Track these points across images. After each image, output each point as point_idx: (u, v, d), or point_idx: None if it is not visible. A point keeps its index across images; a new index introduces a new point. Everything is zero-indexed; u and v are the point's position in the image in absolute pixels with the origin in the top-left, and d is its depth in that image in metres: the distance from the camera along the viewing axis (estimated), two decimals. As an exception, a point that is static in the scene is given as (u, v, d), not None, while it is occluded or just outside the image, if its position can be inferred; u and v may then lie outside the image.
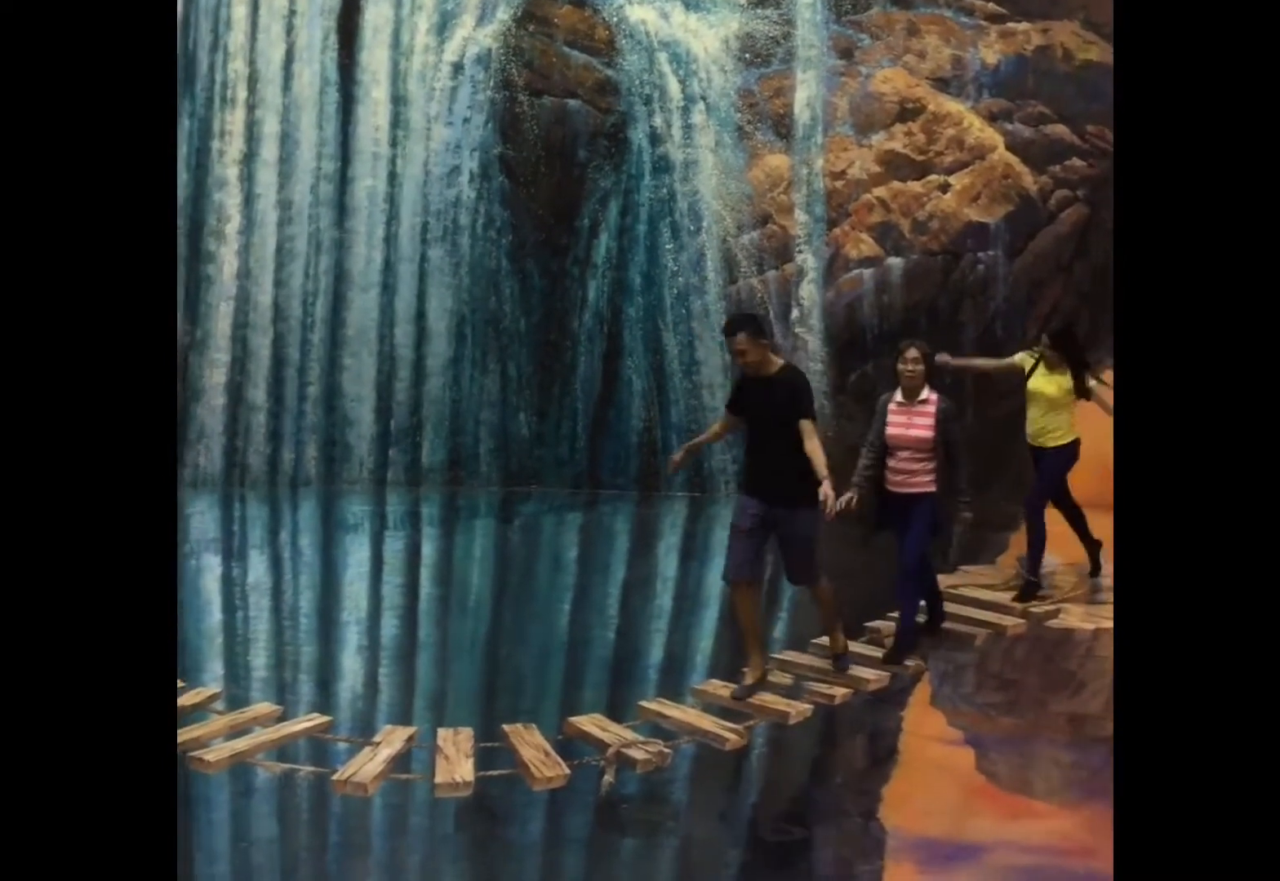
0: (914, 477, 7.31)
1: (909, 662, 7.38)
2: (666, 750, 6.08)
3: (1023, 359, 8.63)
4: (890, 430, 7.35)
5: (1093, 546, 8.94)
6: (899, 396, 7.39)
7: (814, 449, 6.51)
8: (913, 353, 7.31)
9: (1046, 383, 8.41)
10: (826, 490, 6.36)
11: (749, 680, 6.80)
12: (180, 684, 6.89)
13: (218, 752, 5.96)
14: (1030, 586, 8.46)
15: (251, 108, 13.68)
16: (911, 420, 7.32)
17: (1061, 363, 8.37)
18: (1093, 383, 8.27)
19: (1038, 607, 8.28)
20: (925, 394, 7.32)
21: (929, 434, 7.24)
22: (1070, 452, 8.51)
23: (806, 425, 6.57)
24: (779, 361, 6.84)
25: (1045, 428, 8.45)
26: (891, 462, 7.36)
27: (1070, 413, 8.45)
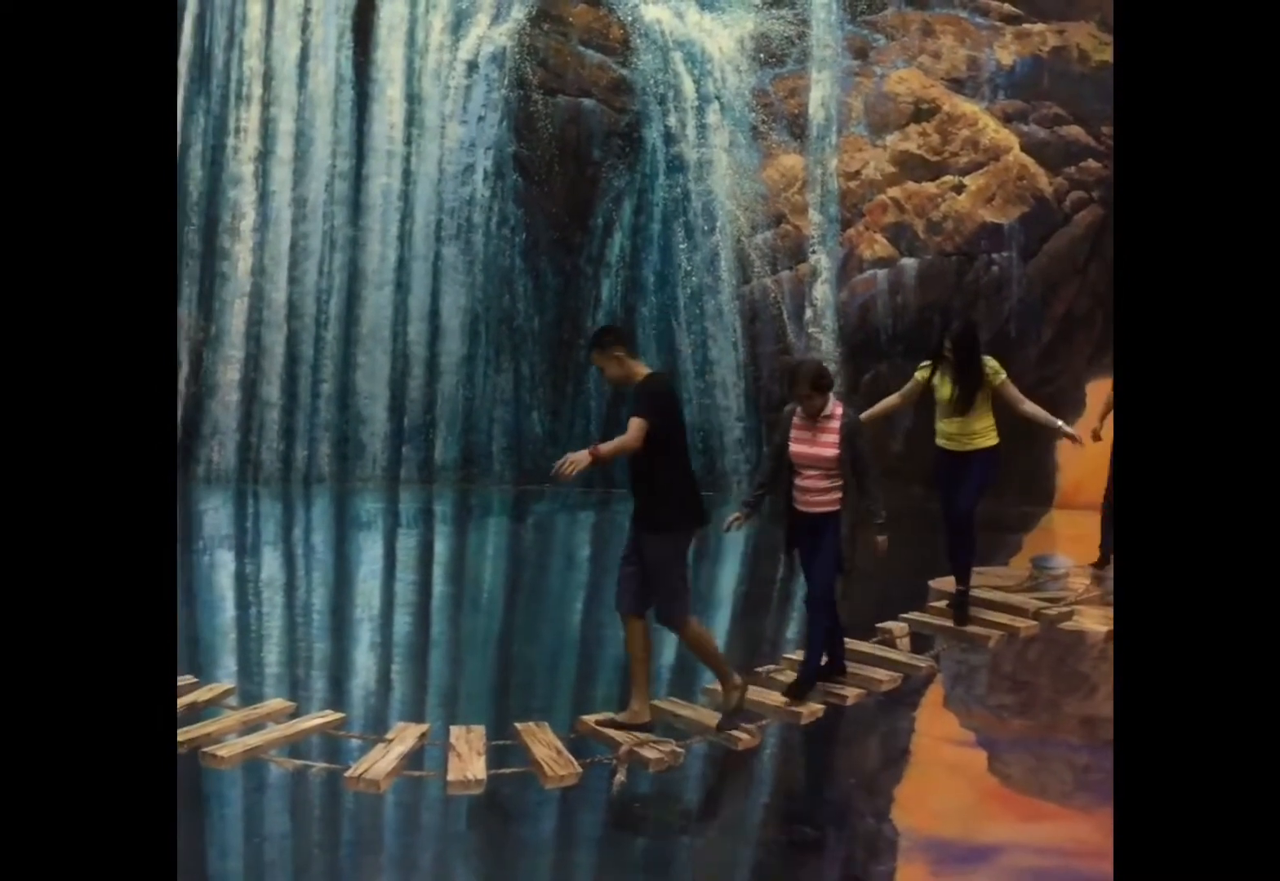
0: (820, 497, 6.70)
1: (923, 663, 7.38)
2: (679, 749, 6.08)
3: (921, 372, 8.03)
4: (793, 447, 6.74)
5: (962, 584, 8.13)
6: (801, 411, 6.76)
7: (618, 445, 5.93)
8: (802, 385, 6.67)
9: (948, 388, 7.87)
10: (574, 458, 5.74)
11: (624, 718, 6.26)
12: (194, 680, 6.92)
13: (231, 748, 5.97)
14: (962, 597, 8.06)
15: (266, 105, 13.71)
16: (816, 436, 6.69)
17: (965, 366, 7.79)
18: (1001, 379, 7.76)
19: (1051, 610, 8.26)
20: (830, 408, 6.70)
21: (834, 452, 6.63)
22: (995, 457, 8.00)
23: (633, 422, 5.92)
24: (643, 371, 6.16)
25: (964, 431, 7.88)
26: (797, 480, 6.75)
27: (990, 415, 7.91)
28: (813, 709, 6.66)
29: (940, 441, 8.02)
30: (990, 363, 7.83)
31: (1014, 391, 7.82)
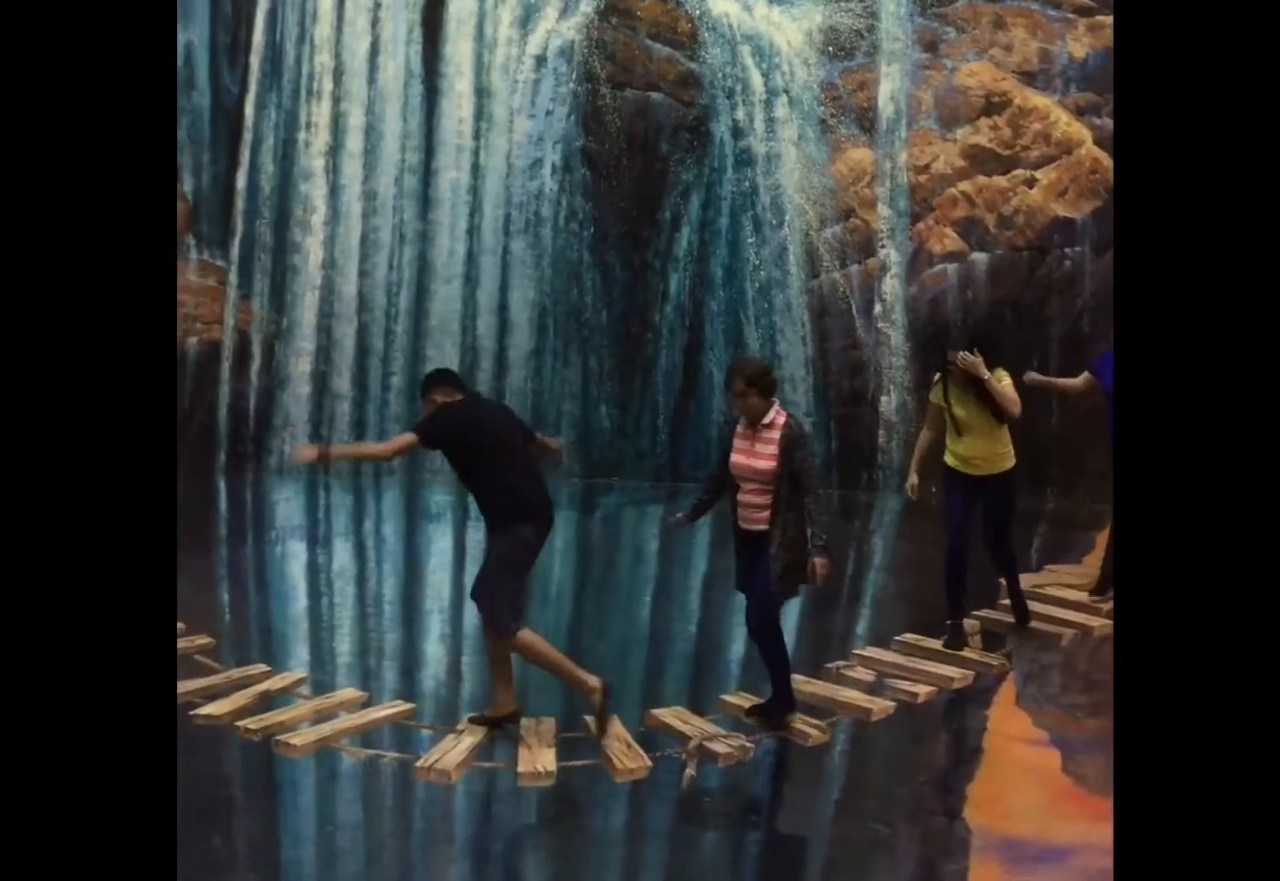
0: (759, 514, 6.14)
1: (994, 661, 7.33)
2: (749, 744, 6.08)
3: (934, 393, 7.57)
4: (733, 458, 6.20)
5: (1019, 604, 7.93)
6: (742, 420, 6.26)
7: (355, 451, 6.66)
8: (738, 381, 6.15)
9: (961, 405, 7.39)
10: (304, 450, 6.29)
11: (490, 711, 6.25)
12: (266, 668, 7.01)
13: (303, 737, 6.04)
14: (1022, 612, 7.89)
15: (337, 100, 13.82)
16: (754, 447, 6.13)
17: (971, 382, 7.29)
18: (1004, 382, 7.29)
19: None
20: (771, 415, 6.14)
21: (770, 464, 6.06)
22: (1013, 481, 7.59)
23: (399, 436, 6.31)
24: (445, 402, 6.27)
25: (979, 453, 7.41)
26: (738, 495, 6.23)
27: (1006, 434, 7.46)
28: (883, 706, 6.63)
29: (950, 461, 7.53)
30: (1000, 373, 7.33)
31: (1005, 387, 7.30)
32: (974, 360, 7.19)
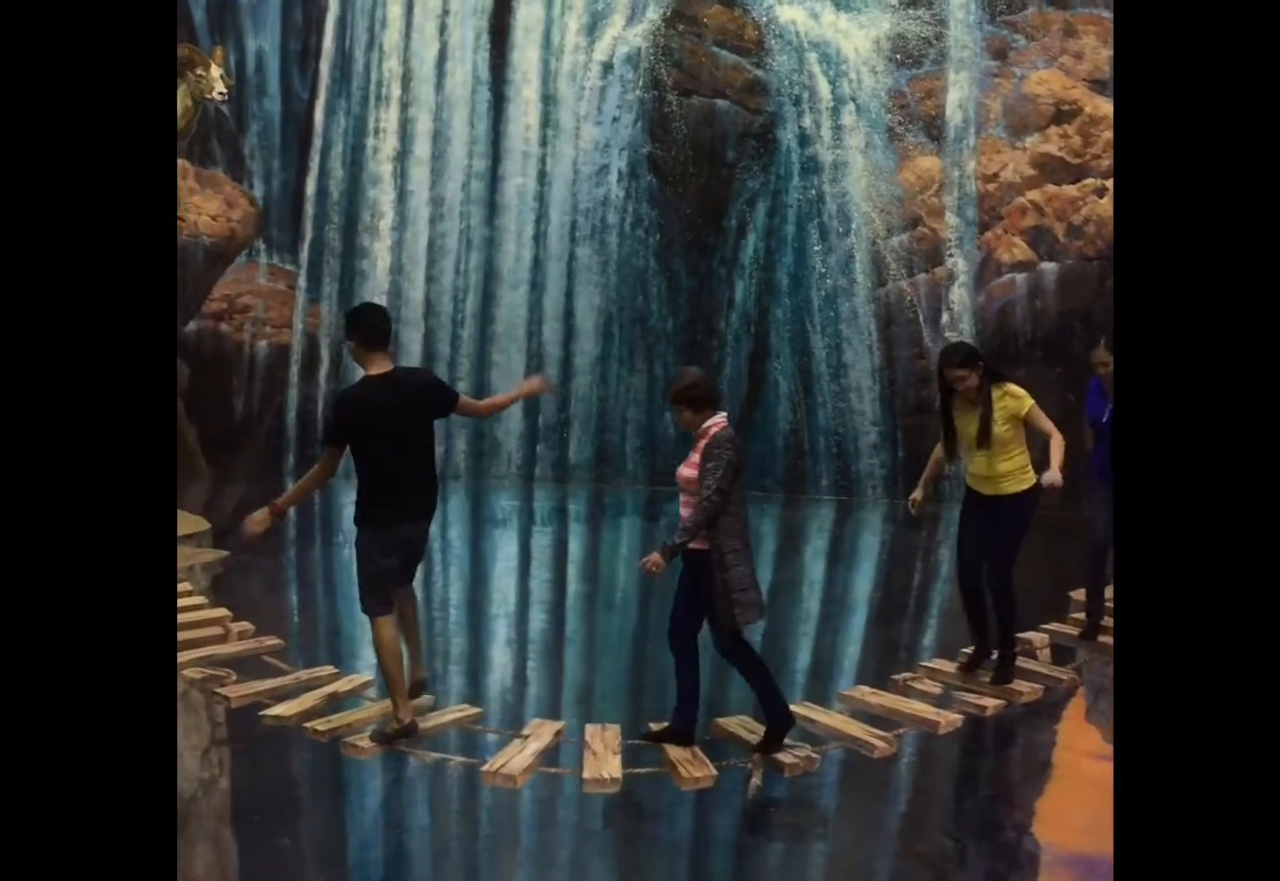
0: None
1: (1064, 675, 7.25)
2: (814, 755, 6.04)
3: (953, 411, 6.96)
4: (679, 469, 5.91)
5: (1005, 648, 7.13)
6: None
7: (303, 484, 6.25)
8: (685, 381, 5.86)
9: (965, 421, 6.86)
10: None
11: (391, 728, 6.09)
12: (334, 670, 7.06)
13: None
14: (1006, 663, 7.08)
15: (405, 106, 13.95)
16: (691, 458, 5.81)
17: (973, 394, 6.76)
18: (1028, 407, 6.71)
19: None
20: (709, 422, 5.80)
21: (694, 473, 5.71)
22: (1029, 503, 6.85)
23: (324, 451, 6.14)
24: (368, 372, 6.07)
25: (991, 472, 6.82)
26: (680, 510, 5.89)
27: (1023, 454, 6.83)
28: (950, 719, 6.57)
29: (969, 481, 7.06)
30: (1012, 389, 6.77)
31: (1042, 419, 6.71)
32: (961, 374, 6.69)
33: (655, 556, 5.57)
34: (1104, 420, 7.47)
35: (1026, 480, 6.78)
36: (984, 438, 6.69)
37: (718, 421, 5.80)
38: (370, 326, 6.05)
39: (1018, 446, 6.80)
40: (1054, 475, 6.42)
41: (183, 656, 7.11)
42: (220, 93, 12.88)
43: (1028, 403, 6.70)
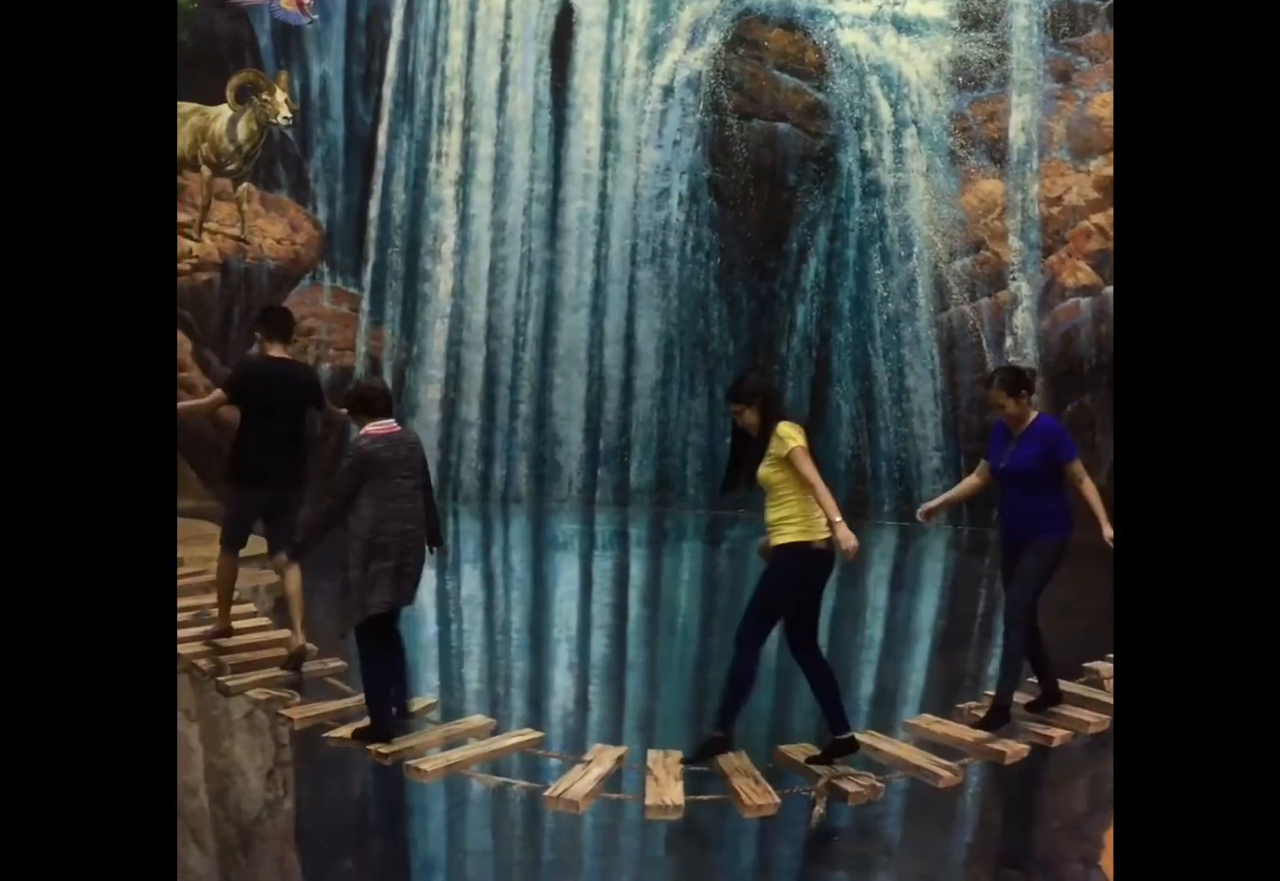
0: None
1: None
2: (879, 784, 5.99)
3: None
4: None
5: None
6: None
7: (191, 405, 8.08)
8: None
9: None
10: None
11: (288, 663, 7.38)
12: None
13: (433, 762, 6.07)
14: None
15: (467, 130, 14.03)
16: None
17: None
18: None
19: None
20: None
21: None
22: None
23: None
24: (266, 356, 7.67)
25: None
26: None
27: (800, 498, 6.07)
28: (1017, 748, 6.49)
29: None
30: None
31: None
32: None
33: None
34: (1001, 466, 6.73)
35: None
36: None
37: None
38: (276, 324, 7.64)
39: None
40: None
41: (248, 677, 7.17)
42: (285, 117, 13.09)
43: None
